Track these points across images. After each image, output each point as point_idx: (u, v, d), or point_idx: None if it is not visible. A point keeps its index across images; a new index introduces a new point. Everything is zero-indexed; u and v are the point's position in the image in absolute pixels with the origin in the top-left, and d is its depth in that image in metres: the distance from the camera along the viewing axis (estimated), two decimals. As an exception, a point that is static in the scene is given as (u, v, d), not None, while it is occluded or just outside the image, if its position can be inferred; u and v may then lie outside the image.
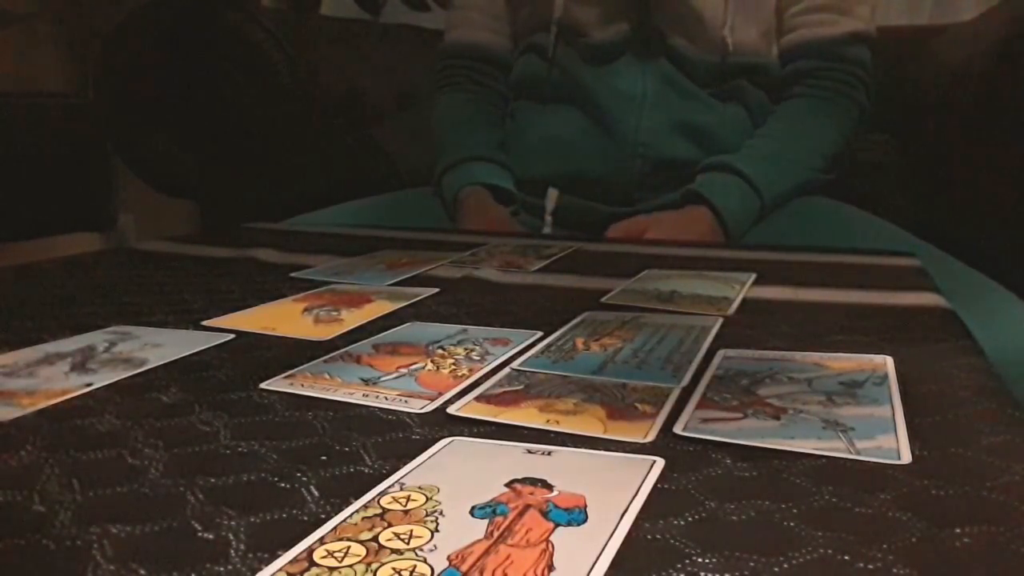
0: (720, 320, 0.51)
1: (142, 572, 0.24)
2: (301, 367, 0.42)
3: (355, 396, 0.37)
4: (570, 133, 0.99)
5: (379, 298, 0.57)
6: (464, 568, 0.23)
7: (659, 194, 0.96)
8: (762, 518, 0.26)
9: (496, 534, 0.25)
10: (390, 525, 0.25)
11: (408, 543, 0.24)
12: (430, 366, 0.42)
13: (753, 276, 0.63)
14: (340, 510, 0.27)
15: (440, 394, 0.38)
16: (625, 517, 0.26)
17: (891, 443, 0.32)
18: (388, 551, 0.24)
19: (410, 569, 0.23)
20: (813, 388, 0.38)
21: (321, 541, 0.25)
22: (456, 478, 0.29)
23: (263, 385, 0.39)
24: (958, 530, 0.25)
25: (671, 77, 0.96)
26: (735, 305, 0.54)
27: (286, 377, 0.40)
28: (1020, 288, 0.71)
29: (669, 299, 0.56)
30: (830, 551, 0.24)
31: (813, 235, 0.84)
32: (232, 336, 0.47)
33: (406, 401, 0.37)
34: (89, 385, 0.39)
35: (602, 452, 0.31)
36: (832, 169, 0.97)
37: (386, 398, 0.37)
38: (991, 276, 0.74)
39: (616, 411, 0.35)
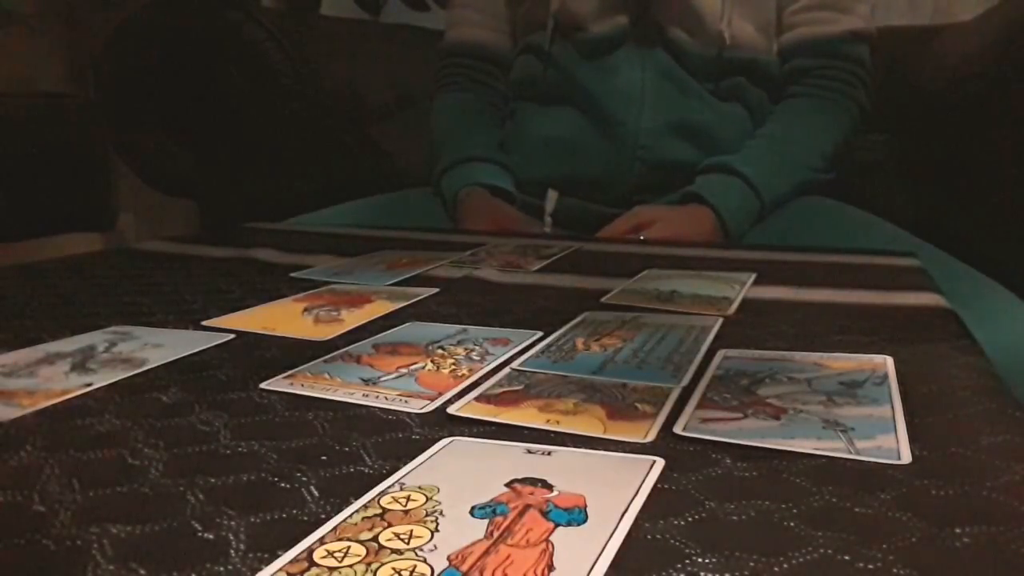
0: (720, 320, 0.51)
1: (142, 572, 0.24)
2: (301, 367, 0.42)
3: (355, 396, 0.37)
4: (569, 134, 0.98)
5: (379, 298, 0.57)
6: (464, 568, 0.23)
7: (658, 196, 0.96)
8: (762, 518, 0.26)
9: (496, 534, 0.25)
10: (390, 525, 0.25)
11: (408, 543, 0.24)
12: (430, 366, 0.42)
13: (753, 276, 0.63)
14: (340, 510, 0.27)
15: (440, 394, 0.38)
16: (625, 517, 0.26)
17: (891, 443, 0.32)
18: (388, 551, 0.24)
19: (410, 569, 0.23)
20: (813, 388, 0.38)
21: (321, 541, 0.25)
22: (456, 478, 0.29)
23: (263, 385, 0.39)
24: (958, 530, 0.25)
25: (669, 71, 0.96)
26: (735, 305, 0.54)
27: (286, 377, 0.40)
28: (1020, 288, 0.71)
29: (669, 299, 0.56)
30: (830, 551, 0.24)
31: (813, 235, 0.84)
32: (232, 336, 0.47)
33: (406, 401, 0.37)
34: (89, 385, 0.39)
35: (602, 452, 0.31)
36: (832, 169, 0.97)
37: (386, 398, 0.37)
38: (991, 276, 0.74)
39: (616, 411, 0.35)
